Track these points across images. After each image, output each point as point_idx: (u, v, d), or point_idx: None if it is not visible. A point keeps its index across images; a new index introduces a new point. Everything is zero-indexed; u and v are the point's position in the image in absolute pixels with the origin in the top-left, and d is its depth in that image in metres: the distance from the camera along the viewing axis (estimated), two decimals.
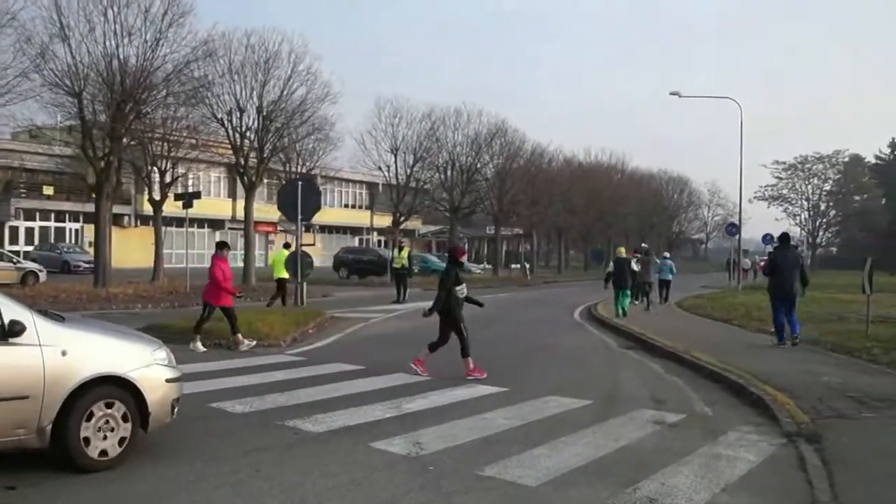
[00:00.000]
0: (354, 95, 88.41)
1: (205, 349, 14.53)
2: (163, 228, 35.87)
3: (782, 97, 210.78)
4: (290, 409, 9.39)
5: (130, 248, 46.39)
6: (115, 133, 26.61)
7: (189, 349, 14.03)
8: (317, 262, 24.76)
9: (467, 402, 10.25)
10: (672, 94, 42.90)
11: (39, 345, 6.40)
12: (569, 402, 10.32)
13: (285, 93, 34.76)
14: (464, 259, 13.32)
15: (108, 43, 25.85)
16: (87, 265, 39.20)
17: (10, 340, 6.28)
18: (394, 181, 49.62)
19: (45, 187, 50.27)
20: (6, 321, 6.30)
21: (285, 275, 22.66)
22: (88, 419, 6.65)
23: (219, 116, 34.40)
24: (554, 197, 61.41)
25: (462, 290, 12.35)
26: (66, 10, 25.17)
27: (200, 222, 56.54)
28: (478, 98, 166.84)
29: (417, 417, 9.18)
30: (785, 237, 17.20)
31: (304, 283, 23.22)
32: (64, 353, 6.50)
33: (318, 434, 8.28)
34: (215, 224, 58.90)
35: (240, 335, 14.97)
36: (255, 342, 15.15)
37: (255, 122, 34.95)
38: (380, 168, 49.90)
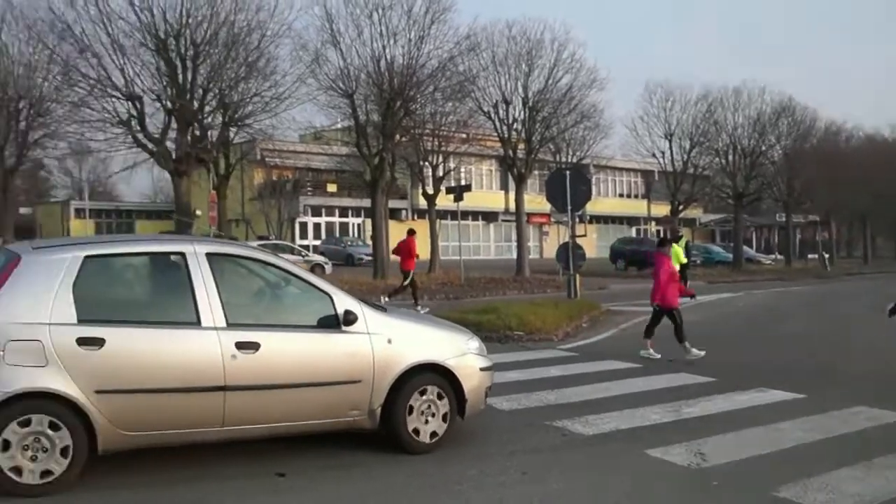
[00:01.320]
0: (623, 81, 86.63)
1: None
2: (437, 221, 37.04)
3: None
4: (559, 409, 9.03)
5: None
6: (387, 131, 27.81)
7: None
8: (592, 254, 24.29)
9: (758, 408, 9.26)
10: None
11: (368, 333, 6.93)
12: (887, 416, 8.85)
13: (550, 82, 34.66)
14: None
15: (375, 45, 27.14)
16: (368, 258, 41.41)
17: (345, 329, 6.83)
18: (669, 168, 48.07)
19: (328, 185, 53.96)
20: (341, 311, 6.86)
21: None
22: (412, 403, 7.10)
23: (485, 109, 34.96)
24: (854, 180, 56.30)
25: None
26: (336, 16, 26.77)
27: (474, 215, 57.90)
28: (759, 75, 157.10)
29: (699, 423, 8.44)
30: None
31: (577, 275, 22.82)
32: (390, 342, 7.01)
33: (587, 437, 7.85)
34: (488, 216, 60.14)
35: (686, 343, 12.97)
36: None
37: (522, 114, 35.15)
38: (654, 155, 48.56)
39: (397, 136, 29.58)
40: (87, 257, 6.23)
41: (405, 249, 22.07)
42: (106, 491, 6.02)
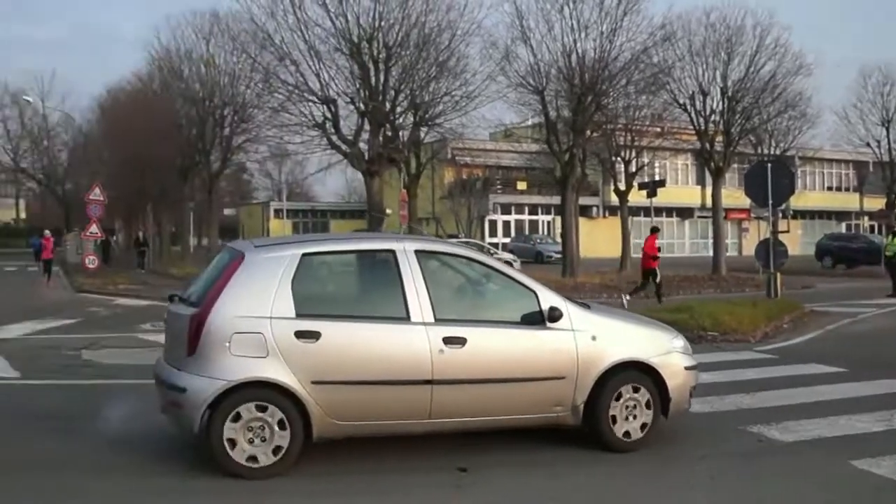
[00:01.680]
0: (832, 65, 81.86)
1: None
2: (630, 218, 36.55)
3: None
4: (755, 413, 8.76)
5: (599, 239, 48.08)
6: (578, 126, 27.69)
7: None
8: (795, 251, 23.27)
9: None
10: None
11: (573, 330, 7.07)
12: None
13: (752, 70, 33.26)
14: None
15: (565, 39, 27.00)
16: (557, 255, 41.43)
17: (550, 325, 6.99)
18: (886, 158, 45.08)
19: (518, 183, 54.35)
20: (546, 308, 7.02)
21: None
22: (616, 401, 7.18)
23: (681, 101, 34.08)
24: None
25: None
26: (526, 12, 26.86)
27: (668, 211, 56.60)
28: None
29: None
30: None
31: (778, 274, 21.91)
32: (594, 338, 7.12)
33: (785, 444, 7.58)
34: (683, 212, 58.65)
35: None
36: None
37: (720, 104, 34.00)
38: (868, 144, 45.68)
39: (588, 132, 29.40)
40: (304, 255, 6.73)
41: (645, 248, 22.36)
42: (288, 479, 6.42)
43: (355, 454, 6.91)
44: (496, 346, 6.91)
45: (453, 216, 47.64)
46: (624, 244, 35.23)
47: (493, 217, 53.69)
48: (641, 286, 22.03)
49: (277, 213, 65.29)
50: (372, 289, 7.20)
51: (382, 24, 25.39)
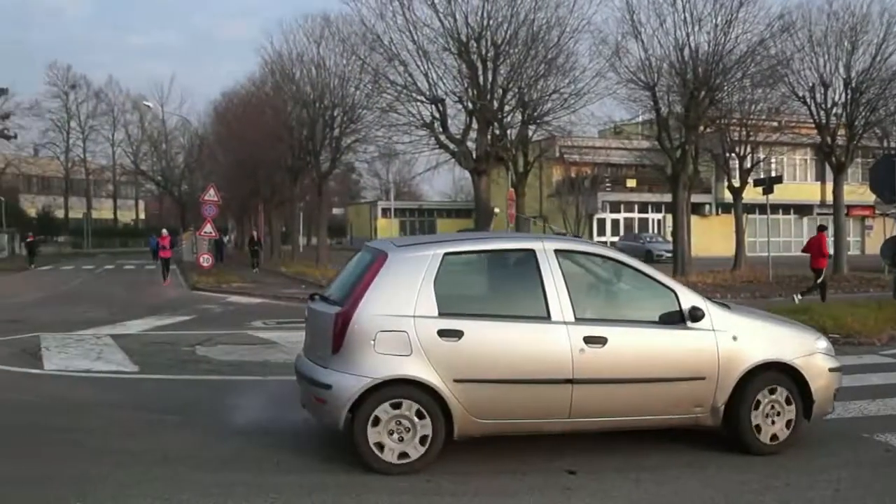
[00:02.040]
0: None
1: None
2: (744, 216, 35.59)
3: None
4: (882, 420, 8.37)
5: (712, 237, 46.91)
6: (690, 122, 27.12)
7: None
8: None
9: None
10: None
11: (713, 330, 6.99)
12: None
13: (878, 59, 31.85)
14: None
15: (678, 33, 26.46)
16: (668, 254, 40.65)
17: (690, 325, 6.95)
18: None
19: (627, 180, 53.62)
20: (687, 307, 6.98)
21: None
22: (756, 403, 7.09)
23: (800, 94, 32.89)
24: None
25: None
26: (637, 6, 26.45)
27: (785, 208, 54.81)
28: None
29: None
30: None
31: None
32: (735, 339, 7.03)
33: None
34: (802, 209, 56.70)
35: None
36: None
37: (843, 96, 32.68)
38: None
39: (701, 128, 28.75)
40: (446, 254, 6.83)
41: (815, 247, 21.45)
42: (395, 479, 6.47)
43: (455, 456, 6.90)
44: (637, 346, 6.89)
45: (561, 215, 47.31)
46: (738, 242, 34.30)
47: (602, 215, 53.09)
48: (817, 285, 21.34)
49: (385, 212, 66.17)
50: (512, 288, 7.20)
51: (491, 22, 25.47)
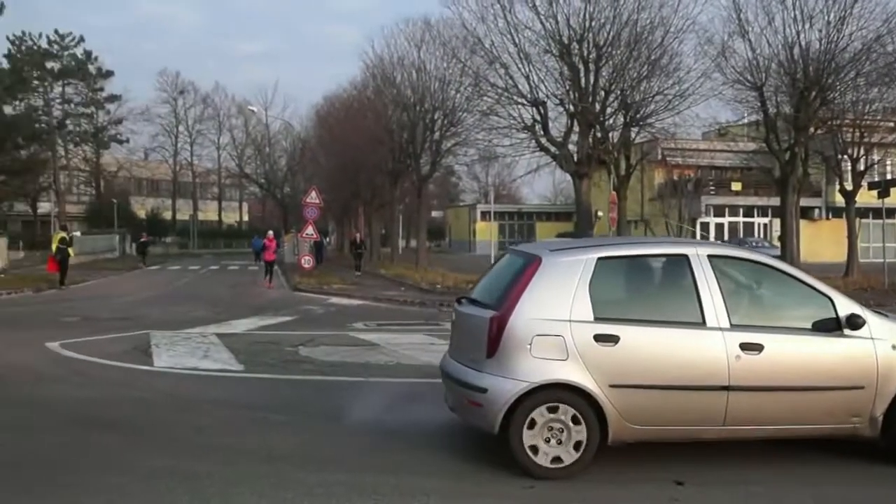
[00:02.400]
0: None
1: None
2: (857, 220, 34.32)
3: None
4: None
5: (821, 242, 45.41)
6: (800, 123, 26.34)
7: None
8: None
9: None
10: None
11: (872, 338, 6.81)
12: None
13: None
14: None
15: (787, 31, 25.75)
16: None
17: (848, 333, 6.79)
18: None
19: (732, 183, 52.28)
20: (844, 315, 6.82)
21: None
22: None
23: None
24: None
25: None
26: (744, 5, 25.81)
27: None
28: None
29: None
30: None
31: None
32: (894, 347, 6.81)
33: None
34: None
35: None
36: None
37: None
38: None
39: (812, 129, 27.88)
40: (600, 259, 6.83)
41: None
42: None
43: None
44: (793, 353, 6.75)
45: (663, 218, 46.54)
46: (850, 248, 33.07)
47: (705, 219, 51.92)
48: None
49: (484, 215, 66.07)
50: (666, 293, 7.15)
51: (593, 24, 25.24)
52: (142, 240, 54.84)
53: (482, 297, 7.35)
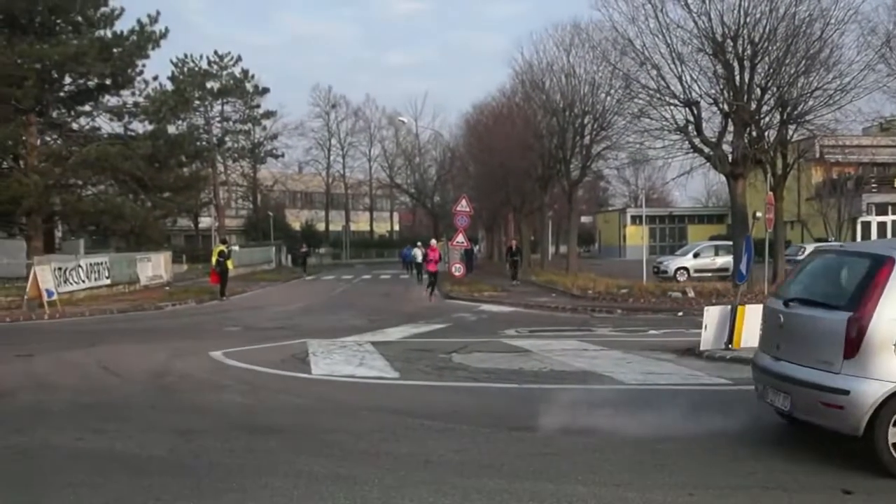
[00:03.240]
0: None
1: None
2: None
3: None
4: None
5: None
6: None
7: None
8: None
9: None
10: None
11: None
12: None
13: None
14: None
15: None
16: None
17: None
18: None
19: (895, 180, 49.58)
20: None
21: None
22: None
23: None
24: None
25: None
26: None
27: None
28: None
29: None
30: None
31: None
32: None
33: None
34: None
35: None
36: None
37: None
38: None
39: None
40: None
41: None
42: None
43: (723, 469, 6.70)
44: None
45: (821, 218, 44.50)
46: None
47: (867, 218, 49.27)
48: None
49: (634, 219, 64.97)
50: None
51: (748, 19, 24.38)
52: (302, 250, 57.25)
53: (814, 297, 7.37)
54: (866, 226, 49.46)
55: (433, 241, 34.81)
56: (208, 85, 70.28)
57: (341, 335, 17.20)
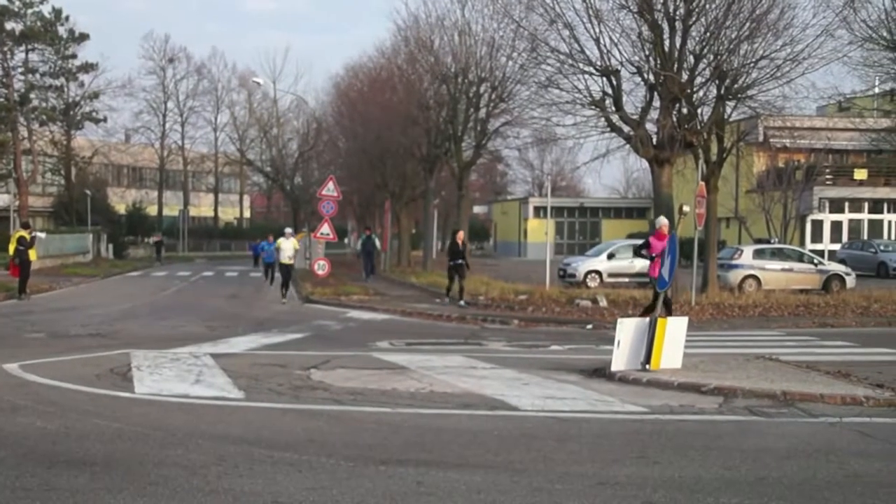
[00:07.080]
0: None
1: None
2: None
3: None
4: None
5: None
6: None
7: None
8: None
9: None
10: None
11: None
12: None
13: None
14: None
15: None
16: None
17: None
18: None
19: (856, 171, 51.46)
20: None
21: None
22: None
23: None
24: None
25: None
26: None
27: None
28: None
29: None
30: None
31: None
32: None
33: None
34: None
35: None
36: None
37: None
38: None
39: None
40: None
41: None
42: None
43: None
44: None
45: (763, 215, 46.02)
46: None
47: (818, 216, 51.19)
48: None
49: (538, 211, 66.06)
50: None
51: None
52: (155, 240, 58.20)
53: None
54: (817, 225, 51.26)
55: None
56: (8, 26, 67.93)
57: (173, 345, 16.96)
